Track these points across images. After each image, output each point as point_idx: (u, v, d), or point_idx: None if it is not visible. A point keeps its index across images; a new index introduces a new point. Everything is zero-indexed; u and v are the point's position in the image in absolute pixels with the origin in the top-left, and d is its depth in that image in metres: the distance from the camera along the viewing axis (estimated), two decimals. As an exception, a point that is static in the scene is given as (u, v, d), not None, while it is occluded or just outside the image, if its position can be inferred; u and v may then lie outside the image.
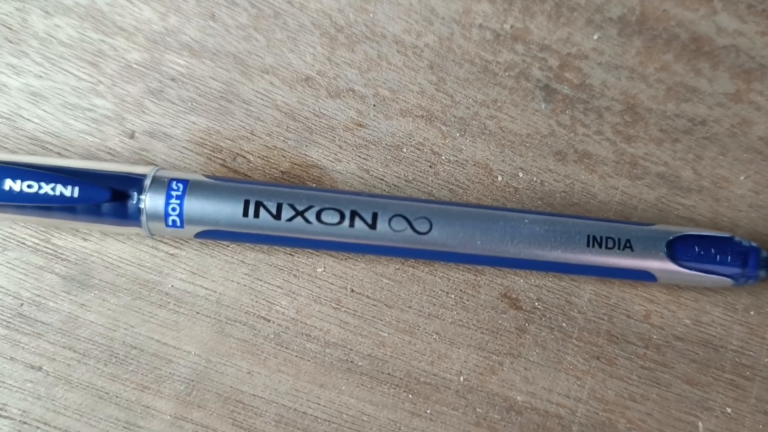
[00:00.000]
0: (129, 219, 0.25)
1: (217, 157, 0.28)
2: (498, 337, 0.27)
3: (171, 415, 0.27)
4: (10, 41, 0.28)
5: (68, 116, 0.28)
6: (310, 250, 0.27)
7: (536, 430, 0.27)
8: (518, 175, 0.28)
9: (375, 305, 0.27)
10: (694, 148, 0.28)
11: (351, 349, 0.27)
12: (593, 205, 0.28)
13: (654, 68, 0.28)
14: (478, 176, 0.28)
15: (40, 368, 0.27)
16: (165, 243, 0.27)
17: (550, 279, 0.27)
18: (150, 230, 0.25)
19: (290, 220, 0.25)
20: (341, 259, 0.27)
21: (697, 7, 0.28)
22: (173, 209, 0.25)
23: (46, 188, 0.25)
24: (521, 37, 0.28)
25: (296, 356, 0.27)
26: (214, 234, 0.26)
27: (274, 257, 0.27)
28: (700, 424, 0.27)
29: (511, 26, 0.28)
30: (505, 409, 0.27)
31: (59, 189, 0.25)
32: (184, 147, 0.28)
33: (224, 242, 0.27)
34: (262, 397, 0.27)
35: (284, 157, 0.28)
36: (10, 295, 0.27)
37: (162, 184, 0.25)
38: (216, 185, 0.25)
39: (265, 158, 0.28)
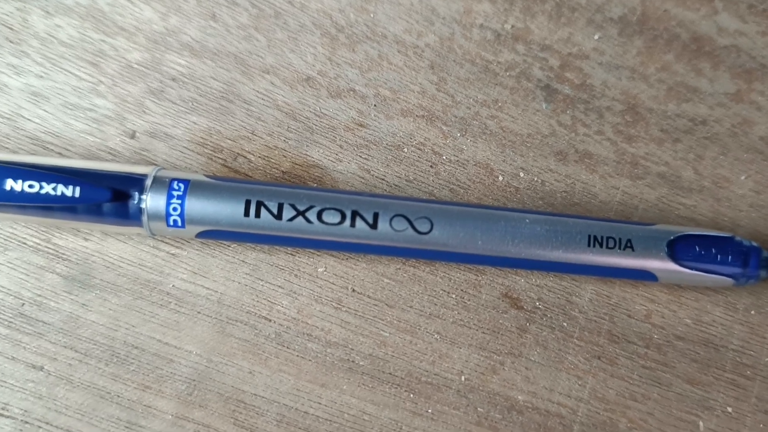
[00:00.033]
0: (130, 219, 0.25)
1: (218, 157, 0.28)
2: (499, 337, 0.27)
3: (172, 415, 0.27)
4: (10, 41, 0.28)
5: (69, 116, 0.28)
6: (312, 250, 0.27)
7: (537, 430, 0.27)
8: (519, 175, 0.28)
9: (376, 305, 0.27)
10: (695, 148, 0.28)
11: (352, 349, 0.27)
12: (594, 205, 0.28)
13: (655, 68, 0.28)
14: (479, 176, 0.28)
15: (41, 368, 0.27)
16: (166, 243, 0.27)
17: (551, 279, 0.28)
18: (151, 230, 0.25)
19: (291, 220, 0.25)
20: (342, 259, 0.27)
21: (698, 7, 0.28)
22: (174, 209, 0.25)
23: (48, 188, 0.25)
24: (522, 37, 0.28)
25: (297, 356, 0.27)
26: (215, 234, 0.26)
27: (275, 257, 0.27)
28: (701, 423, 0.27)
29: (512, 26, 0.28)
30: (506, 409, 0.27)
31: (60, 189, 0.25)
32: (184, 147, 0.28)
33: (225, 242, 0.27)
34: (263, 397, 0.27)
35: (285, 157, 0.28)
36: (11, 295, 0.27)
37: (163, 184, 0.25)
38: (217, 185, 0.25)
39: (266, 158, 0.28)
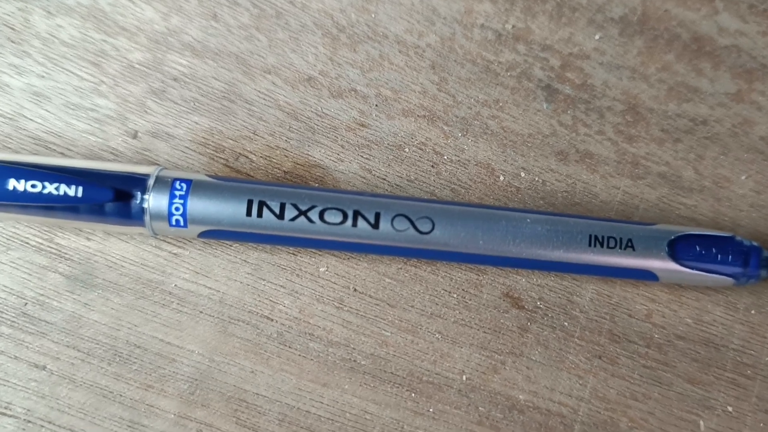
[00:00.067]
0: (132, 219, 0.25)
1: (220, 157, 0.28)
2: (500, 337, 0.27)
3: (174, 414, 0.27)
4: (12, 41, 0.28)
5: (71, 116, 0.28)
6: (313, 250, 0.27)
7: (538, 429, 0.27)
8: (520, 175, 0.28)
9: (377, 305, 0.27)
10: (696, 148, 0.28)
11: (354, 349, 0.27)
12: (595, 205, 0.28)
13: (655, 68, 0.28)
14: (480, 176, 0.28)
15: (44, 367, 0.27)
16: (168, 242, 0.27)
17: (552, 278, 0.28)
18: (153, 230, 0.26)
19: (293, 219, 0.25)
20: (344, 259, 0.28)
21: (698, 7, 0.28)
22: (177, 209, 0.25)
23: (50, 188, 0.25)
24: (523, 37, 0.28)
25: (299, 355, 0.27)
26: (217, 234, 0.26)
27: (277, 257, 0.27)
28: (702, 422, 0.27)
29: (513, 26, 0.28)
30: (507, 408, 0.27)
31: (63, 189, 0.25)
32: (186, 147, 0.28)
33: (227, 242, 0.27)
34: (265, 396, 0.27)
35: (287, 156, 0.28)
36: (14, 295, 0.27)
37: (165, 183, 0.25)
38: (219, 185, 0.25)
39: (268, 158, 0.28)
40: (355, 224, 0.25)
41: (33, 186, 0.25)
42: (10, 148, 0.27)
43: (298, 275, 0.27)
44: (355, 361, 0.27)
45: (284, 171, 0.28)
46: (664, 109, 0.28)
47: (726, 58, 0.28)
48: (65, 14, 0.28)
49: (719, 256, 0.26)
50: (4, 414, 0.27)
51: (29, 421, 0.27)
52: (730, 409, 0.27)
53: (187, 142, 0.28)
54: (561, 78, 0.28)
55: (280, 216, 0.25)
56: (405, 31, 0.28)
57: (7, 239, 0.27)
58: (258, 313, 0.27)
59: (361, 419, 0.27)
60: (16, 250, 0.27)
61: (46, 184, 0.25)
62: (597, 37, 0.28)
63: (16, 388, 0.27)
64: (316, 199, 0.25)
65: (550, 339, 0.27)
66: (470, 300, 0.27)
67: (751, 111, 0.28)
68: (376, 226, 0.25)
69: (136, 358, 0.27)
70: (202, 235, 0.26)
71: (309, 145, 0.28)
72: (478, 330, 0.27)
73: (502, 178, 0.28)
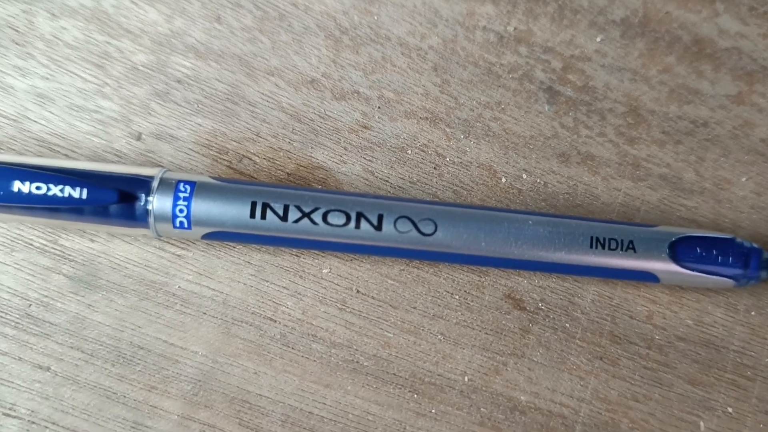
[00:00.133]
0: (136, 220, 0.25)
1: (223, 159, 0.28)
2: (502, 338, 0.27)
3: (178, 415, 0.27)
4: (16, 43, 0.28)
5: (74, 118, 0.28)
6: (316, 252, 0.28)
7: (540, 430, 0.27)
8: (522, 177, 0.28)
9: (380, 306, 0.28)
10: (696, 150, 0.28)
11: (356, 350, 0.27)
12: (596, 207, 0.28)
13: (656, 70, 0.28)
14: (482, 178, 0.28)
15: (48, 368, 0.27)
16: (171, 244, 0.28)
17: (554, 280, 0.28)
18: (157, 231, 0.26)
19: (297, 221, 0.25)
20: (347, 261, 0.28)
21: (699, 9, 0.28)
22: (181, 211, 0.25)
23: (55, 190, 0.25)
24: (524, 40, 0.28)
25: (302, 357, 0.27)
26: (220, 235, 0.26)
27: (280, 258, 0.28)
28: (702, 423, 0.27)
29: (515, 28, 0.28)
30: (509, 409, 0.27)
31: (68, 191, 0.25)
32: (190, 149, 0.28)
33: (230, 243, 0.27)
34: (268, 397, 0.27)
35: (290, 158, 0.28)
36: (18, 296, 0.27)
37: (169, 185, 0.25)
38: (223, 187, 0.26)
39: (271, 160, 0.28)
40: (358, 226, 0.25)
41: (38, 188, 0.25)
42: (14, 149, 0.28)
43: (301, 277, 0.28)
44: (357, 362, 0.27)
45: (287, 173, 0.28)
46: (665, 111, 0.28)
47: (727, 60, 0.28)
48: (69, 16, 0.28)
49: (720, 257, 0.26)
50: (9, 415, 0.27)
51: (33, 422, 0.27)
52: (730, 410, 0.27)
53: (191, 143, 0.28)
54: (562, 80, 0.28)
55: (284, 218, 0.25)
56: (407, 33, 0.28)
57: (12, 241, 0.27)
58: (261, 314, 0.27)
59: (364, 420, 0.27)
60: (20, 252, 0.27)
61: (51, 185, 0.25)
62: (598, 39, 0.28)
63: (20, 389, 0.27)
64: (319, 200, 0.26)
65: (552, 340, 0.27)
66: (472, 301, 0.28)
67: (751, 113, 0.28)
68: (378, 227, 0.25)
69: (139, 360, 0.27)
70: (206, 236, 0.26)
71: (312, 147, 0.28)
72: (480, 331, 0.27)
73: (504, 179, 0.28)
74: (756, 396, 0.27)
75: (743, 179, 0.28)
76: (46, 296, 0.27)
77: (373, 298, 0.28)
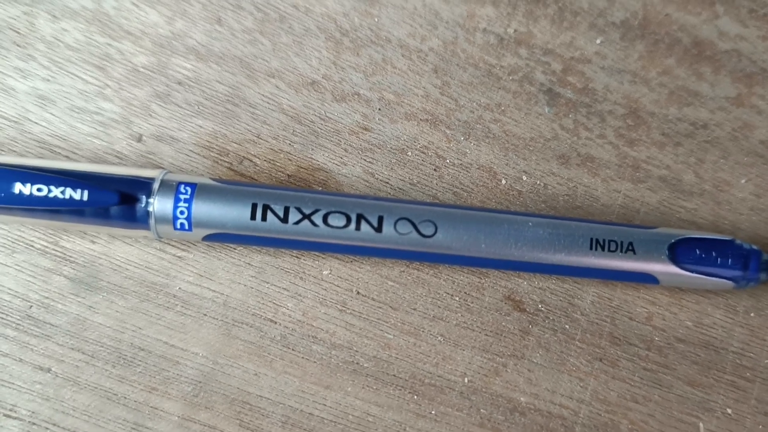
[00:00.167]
0: (137, 222, 0.25)
1: (224, 161, 0.28)
2: (502, 339, 0.28)
3: (178, 417, 0.27)
4: (17, 45, 0.28)
5: (75, 119, 0.28)
6: (317, 253, 0.28)
7: (539, 431, 0.27)
8: (522, 179, 0.28)
9: (380, 307, 0.28)
10: (696, 152, 0.28)
11: (356, 351, 0.27)
12: (596, 209, 0.28)
13: (656, 72, 0.28)
14: (482, 179, 0.28)
15: (48, 370, 0.27)
16: (172, 245, 0.28)
17: (554, 281, 0.28)
18: (158, 233, 0.26)
19: (297, 223, 0.25)
20: (347, 262, 0.28)
21: (699, 11, 0.28)
22: (181, 212, 0.25)
23: (56, 191, 0.25)
24: (525, 41, 0.28)
25: (302, 358, 0.27)
26: (221, 237, 0.26)
27: (280, 260, 0.28)
28: (701, 425, 0.27)
29: (515, 30, 0.28)
30: (508, 411, 0.27)
31: (68, 192, 0.25)
32: (190, 150, 0.28)
33: (231, 245, 0.27)
34: (268, 399, 0.27)
35: (290, 160, 0.28)
36: (18, 297, 0.27)
37: (170, 187, 0.25)
38: (224, 189, 0.26)
39: (272, 161, 0.28)
40: (358, 228, 0.26)
41: (39, 190, 0.25)
42: (15, 151, 0.28)
43: (301, 278, 0.28)
44: (357, 363, 0.27)
45: (288, 174, 0.28)
46: (665, 113, 0.28)
47: (726, 63, 0.28)
48: (70, 18, 0.28)
49: (719, 259, 0.26)
50: (9, 416, 0.27)
51: (34, 423, 0.27)
52: (729, 411, 0.27)
53: (192, 145, 0.28)
54: (562, 82, 0.28)
55: (284, 219, 0.25)
56: (408, 35, 0.28)
57: (12, 242, 0.27)
58: (261, 315, 0.27)
59: (364, 421, 0.27)
60: (21, 253, 0.27)
61: (52, 187, 0.25)
62: (598, 41, 0.28)
63: (21, 391, 0.27)
64: (320, 202, 0.26)
65: (552, 342, 0.28)
66: (472, 303, 0.28)
67: (751, 115, 0.28)
68: (379, 229, 0.26)
69: (140, 361, 0.27)
70: (207, 238, 0.26)
71: (312, 149, 0.28)
72: (480, 333, 0.28)
73: (504, 181, 0.28)
74: (755, 397, 0.27)
75: (743, 181, 0.28)
76: (46, 298, 0.27)
77: (373, 299, 0.28)
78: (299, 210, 0.25)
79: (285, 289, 0.28)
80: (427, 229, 0.26)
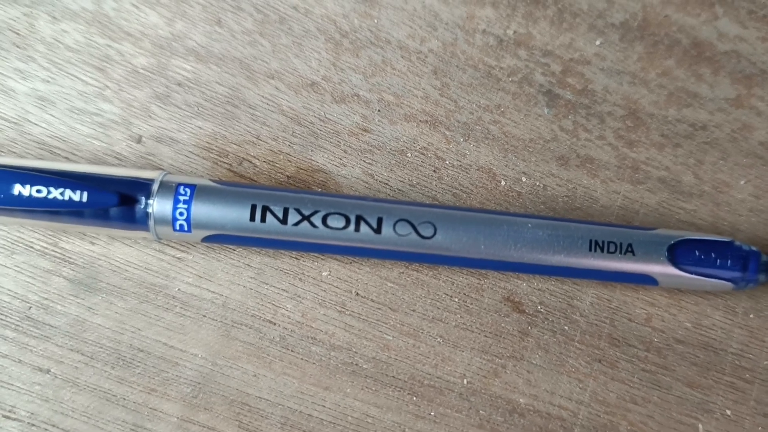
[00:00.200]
0: (137, 223, 0.25)
1: (223, 162, 0.28)
2: (501, 340, 0.28)
3: (177, 418, 0.27)
4: (17, 46, 0.28)
5: (75, 121, 0.28)
6: (316, 254, 0.28)
7: (539, 433, 0.27)
8: (521, 180, 0.28)
9: (379, 309, 0.28)
10: (695, 153, 0.28)
11: (356, 352, 0.27)
12: (595, 210, 0.28)
13: (656, 74, 0.28)
14: (481, 181, 0.28)
15: (47, 371, 0.27)
16: (171, 247, 0.28)
17: (553, 283, 0.28)
18: (157, 234, 0.26)
19: (296, 224, 0.25)
20: (346, 263, 0.28)
21: (698, 12, 0.28)
22: (181, 214, 0.25)
23: (55, 193, 0.25)
24: (524, 43, 0.28)
25: (301, 359, 0.27)
26: (220, 238, 0.26)
27: (279, 261, 0.28)
28: (701, 426, 0.27)
29: (514, 32, 0.28)
30: (508, 412, 0.27)
31: (68, 194, 0.25)
32: (190, 152, 0.28)
33: (230, 246, 0.27)
34: (267, 400, 0.27)
35: (290, 161, 0.28)
36: (18, 299, 0.27)
37: (170, 188, 0.25)
38: (223, 190, 0.26)
39: (271, 163, 0.28)
40: (357, 229, 0.26)
41: (38, 191, 0.25)
42: (15, 152, 0.28)
43: (300, 279, 0.28)
44: (356, 364, 0.27)
45: (287, 176, 0.28)
46: (664, 115, 0.28)
47: (726, 64, 0.28)
48: (70, 19, 0.28)
49: (718, 260, 0.26)
50: (8, 417, 0.27)
51: (33, 425, 0.27)
52: (728, 412, 0.27)
53: (191, 146, 0.28)
54: (562, 83, 0.28)
55: (283, 221, 0.25)
56: (407, 36, 0.28)
57: (12, 243, 0.27)
58: (261, 317, 0.27)
59: (363, 423, 0.27)
60: (20, 254, 0.27)
61: (51, 189, 0.25)
62: (598, 42, 0.28)
63: (20, 392, 0.27)
64: (319, 203, 0.26)
65: (551, 343, 0.28)
66: (471, 304, 0.28)
67: (750, 116, 0.28)
68: (378, 230, 0.26)
69: (139, 362, 0.27)
70: (206, 239, 0.26)
71: (312, 150, 0.28)
72: (479, 334, 0.28)
73: (503, 182, 0.28)
74: (754, 398, 0.27)
75: (742, 182, 0.28)
76: (46, 299, 0.27)
77: (372, 300, 0.28)
78: (298, 211, 0.25)
79: (284, 290, 0.28)
80: (427, 231, 0.26)
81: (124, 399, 0.27)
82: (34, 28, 0.28)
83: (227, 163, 0.28)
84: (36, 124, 0.28)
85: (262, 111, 0.28)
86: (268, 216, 0.25)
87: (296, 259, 0.28)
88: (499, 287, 0.28)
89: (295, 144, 0.28)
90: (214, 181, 0.26)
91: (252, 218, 0.25)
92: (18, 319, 0.27)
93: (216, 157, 0.28)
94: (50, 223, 0.26)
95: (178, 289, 0.27)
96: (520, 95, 0.28)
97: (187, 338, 0.27)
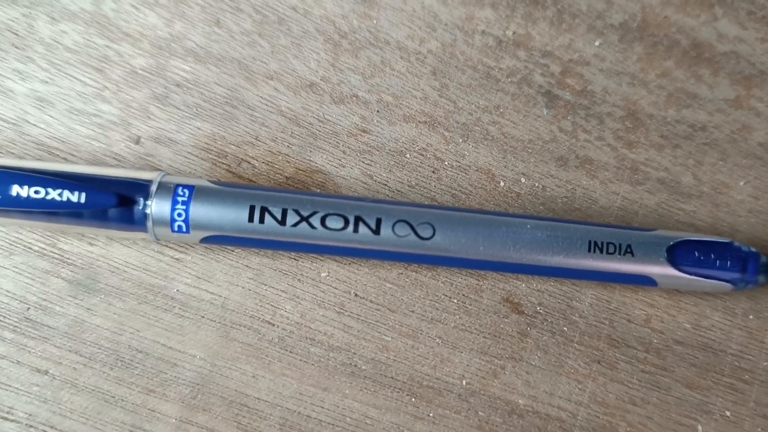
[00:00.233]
0: (135, 224, 0.25)
1: (222, 163, 0.28)
2: (500, 341, 0.28)
3: (176, 419, 0.27)
4: (16, 47, 0.28)
5: (74, 121, 0.28)
6: (315, 255, 0.28)
7: (538, 434, 0.27)
8: (520, 181, 0.28)
9: (378, 310, 0.28)
10: (695, 154, 0.28)
11: (354, 353, 0.27)
12: (594, 211, 0.28)
13: (655, 74, 0.28)
14: (480, 182, 0.28)
15: (46, 372, 0.27)
16: (170, 248, 0.28)
17: (552, 284, 0.28)
18: (156, 235, 0.26)
19: (295, 225, 0.25)
20: (345, 264, 0.28)
21: (697, 13, 0.28)
22: (179, 215, 0.25)
23: (53, 194, 0.25)
24: (523, 44, 0.28)
25: (300, 360, 0.27)
26: (219, 239, 0.26)
27: (278, 262, 0.28)
28: (700, 427, 0.27)
29: (514, 32, 0.28)
30: (507, 413, 0.27)
31: (66, 195, 0.25)
32: (189, 152, 0.28)
33: (229, 247, 0.27)
34: (266, 401, 0.27)
35: (289, 162, 0.28)
36: (16, 300, 0.27)
37: (168, 189, 0.25)
38: (221, 191, 0.26)
39: (270, 164, 0.28)
40: (356, 230, 0.26)
41: (36, 192, 0.25)
42: (13, 153, 0.28)
43: (299, 280, 0.28)
44: (355, 365, 0.27)
45: (286, 176, 0.28)
46: (664, 115, 0.28)
47: (725, 65, 0.28)
48: (69, 20, 0.28)
49: (718, 261, 0.26)
50: (6, 419, 0.27)
51: (31, 426, 0.27)
52: (728, 413, 0.27)
53: (190, 147, 0.28)
54: (561, 84, 0.28)
55: (282, 222, 0.25)
56: (406, 37, 0.28)
57: (10, 244, 0.27)
58: (259, 317, 0.27)
59: (362, 424, 0.27)
60: (19, 255, 0.27)
61: (50, 189, 0.25)
62: (597, 43, 0.28)
63: (19, 393, 0.27)
64: (318, 204, 0.26)
65: (550, 344, 0.27)
66: (470, 305, 0.28)
67: (749, 117, 0.28)
68: (377, 231, 0.26)
69: (138, 363, 0.27)
70: (205, 240, 0.26)
71: (311, 151, 0.28)
72: (478, 335, 0.28)
73: (502, 183, 0.28)
74: (753, 399, 0.27)
75: (741, 183, 0.28)
76: (44, 299, 0.27)
77: (371, 301, 0.28)
78: (297, 212, 0.25)
79: (283, 291, 0.28)
80: (426, 232, 0.26)
81: (123, 400, 0.27)
82: (33, 28, 0.28)
83: (226, 164, 0.28)
84: (35, 125, 0.28)
85: (261, 112, 0.28)
86: (267, 217, 0.25)
87: (295, 260, 0.28)
88: (498, 288, 0.28)
89: (293, 145, 0.28)
90: (212, 181, 0.26)
91: (251, 219, 0.25)
92: (16, 320, 0.27)
93: (215, 157, 0.28)
94: (49, 224, 0.26)
95: (177, 290, 0.27)
96: (519, 96, 0.28)
97: (186, 339, 0.27)
